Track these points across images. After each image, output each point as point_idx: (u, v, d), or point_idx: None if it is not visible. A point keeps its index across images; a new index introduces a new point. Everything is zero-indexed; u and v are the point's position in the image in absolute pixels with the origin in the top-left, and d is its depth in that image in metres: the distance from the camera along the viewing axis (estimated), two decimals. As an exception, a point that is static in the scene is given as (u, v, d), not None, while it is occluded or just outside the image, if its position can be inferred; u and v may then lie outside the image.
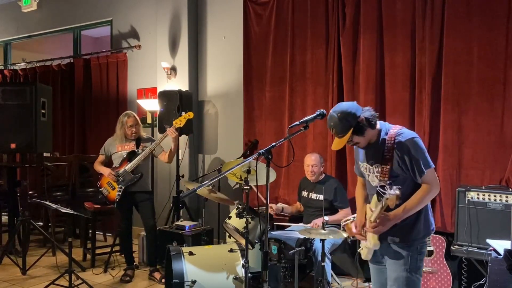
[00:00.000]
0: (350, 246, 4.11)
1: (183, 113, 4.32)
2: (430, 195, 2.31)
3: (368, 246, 2.42)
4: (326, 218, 3.81)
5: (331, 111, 2.34)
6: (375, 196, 2.36)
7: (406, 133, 2.30)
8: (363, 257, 2.54)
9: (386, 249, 2.40)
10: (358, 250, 2.61)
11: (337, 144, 2.32)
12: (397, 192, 2.06)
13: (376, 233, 2.31)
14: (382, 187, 2.16)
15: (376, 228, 2.29)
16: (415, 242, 2.35)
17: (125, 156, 4.25)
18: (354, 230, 2.50)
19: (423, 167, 2.26)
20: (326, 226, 3.28)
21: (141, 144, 4.32)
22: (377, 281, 2.56)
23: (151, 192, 4.50)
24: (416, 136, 2.30)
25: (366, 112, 2.31)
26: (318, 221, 3.85)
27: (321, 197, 4.01)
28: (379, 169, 2.32)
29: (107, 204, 4.56)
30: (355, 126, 2.27)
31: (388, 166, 2.27)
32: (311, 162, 4.08)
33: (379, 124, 2.37)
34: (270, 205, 4.07)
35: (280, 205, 4.45)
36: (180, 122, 4.22)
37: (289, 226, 4.17)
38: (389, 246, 2.38)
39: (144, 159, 4.21)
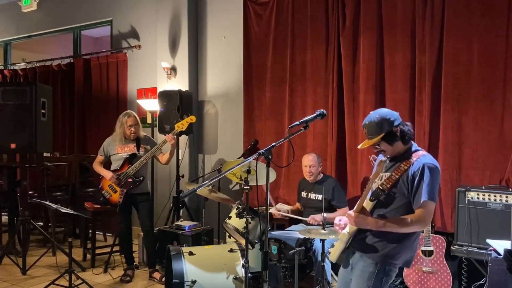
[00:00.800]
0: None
1: (185, 117, 4.30)
2: (416, 225, 2.20)
3: (340, 236, 2.40)
4: (325, 214, 3.82)
5: (372, 111, 2.36)
6: (368, 196, 2.34)
7: (430, 159, 2.26)
8: (331, 259, 2.49)
9: (356, 262, 2.36)
10: (329, 249, 2.57)
11: (364, 144, 2.32)
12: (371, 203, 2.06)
13: (352, 220, 2.27)
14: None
15: (355, 215, 2.24)
16: (385, 263, 2.28)
17: (126, 158, 4.23)
18: (337, 221, 2.45)
19: (426, 196, 2.16)
20: (326, 226, 3.27)
21: (141, 145, 4.30)
22: (342, 284, 2.50)
23: (150, 193, 4.50)
24: (438, 167, 2.24)
25: (405, 126, 2.30)
26: (317, 217, 3.89)
27: (320, 197, 4.02)
28: (388, 175, 2.28)
29: (107, 205, 4.55)
30: (386, 133, 2.26)
31: (398, 176, 2.23)
32: (309, 163, 4.09)
33: (413, 144, 2.35)
34: (311, 217, 4.05)
35: (278, 206, 4.45)
36: (182, 126, 4.21)
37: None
38: (360, 260, 2.34)
39: (145, 162, 4.22)
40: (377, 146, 2.31)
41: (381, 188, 2.26)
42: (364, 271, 2.30)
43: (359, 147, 2.36)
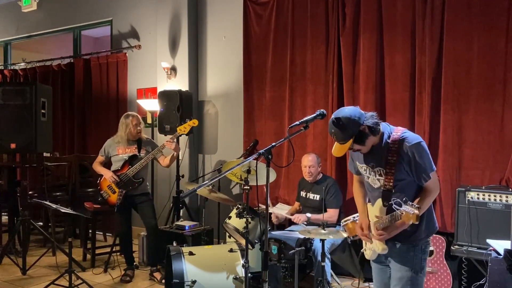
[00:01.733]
0: (350, 246, 4.11)
1: (188, 120, 4.30)
2: (432, 197, 2.31)
3: (376, 250, 2.42)
4: (309, 215, 3.84)
5: (332, 116, 2.26)
6: (379, 200, 2.35)
7: (411, 137, 2.26)
8: (367, 257, 2.53)
9: (390, 250, 2.39)
10: (362, 251, 2.60)
11: (338, 150, 2.27)
12: (416, 211, 2.05)
13: (383, 240, 2.33)
14: (398, 203, 2.16)
15: (383, 236, 2.30)
16: (419, 242, 2.35)
17: (126, 159, 4.24)
18: (359, 231, 2.48)
19: (428, 172, 2.25)
20: (326, 226, 3.28)
21: (142, 147, 4.31)
22: (379, 280, 2.56)
23: (149, 193, 4.50)
24: (422, 141, 2.27)
25: (369, 119, 2.24)
26: (301, 216, 3.93)
27: (318, 197, 4.03)
28: (382, 173, 2.30)
29: (106, 206, 4.55)
30: (356, 135, 2.22)
31: (393, 170, 2.24)
32: (308, 163, 4.09)
33: (381, 126, 2.31)
34: (296, 216, 4.08)
35: (278, 207, 4.45)
36: (184, 129, 4.22)
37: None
38: (394, 246, 2.37)
39: (146, 164, 4.22)
40: (351, 148, 2.29)
41: (387, 189, 2.27)
42: (404, 257, 2.35)
43: (333, 154, 2.31)
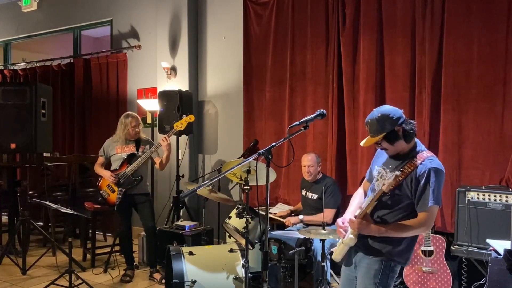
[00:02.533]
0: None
1: (184, 116, 4.32)
2: (418, 229, 2.24)
3: (344, 241, 2.37)
4: (301, 217, 3.85)
5: (375, 109, 2.31)
6: (369, 197, 2.33)
7: (436, 162, 2.24)
8: (333, 256, 2.46)
9: (360, 260, 2.36)
10: (332, 249, 2.55)
11: (366, 142, 2.29)
12: (397, 172, 2.04)
13: (355, 227, 2.27)
14: (380, 173, 2.16)
15: (358, 221, 2.25)
16: (390, 260, 2.29)
17: (125, 158, 4.25)
18: (340, 223, 2.44)
19: (433, 200, 2.17)
20: (327, 226, 3.28)
21: (141, 146, 4.33)
22: None
23: (149, 194, 4.51)
24: (443, 170, 2.23)
25: (408, 124, 2.25)
26: (292, 219, 3.99)
27: (316, 196, 4.05)
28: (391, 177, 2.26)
29: (105, 205, 4.55)
30: (388, 132, 2.23)
31: (400, 179, 2.21)
32: (308, 163, 4.09)
33: (416, 141, 2.32)
34: (287, 219, 4.08)
35: (278, 207, 4.45)
36: (181, 125, 4.24)
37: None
38: (364, 257, 2.34)
39: (144, 162, 4.22)
40: (379, 144, 2.30)
41: (383, 191, 2.26)
42: (370, 269, 2.31)
43: (361, 144, 2.33)
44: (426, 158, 2.23)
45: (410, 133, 2.26)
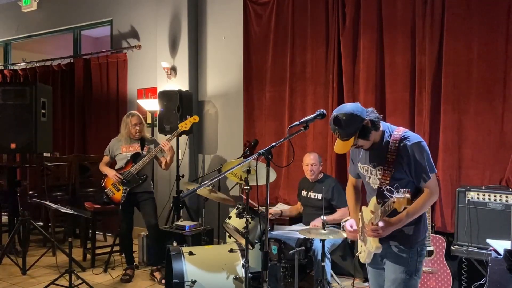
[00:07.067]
0: (350, 246, 4.11)
1: (188, 117, 4.32)
2: (432, 200, 2.30)
3: (369, 249, 2.39)
4: (324, 218, 3.82)
5: (334, 113, 2.25)
6: (374, 198, 2.34)
7: (412, 137, 2.27)
8: (361, 260, 2.50)
9: (386, 251, 2.37)
10: (356, 254, 2.57)
11: (341, 147, 2.26)
12: (407, 195, 2.02)
13: (377, 237, 2.30)
14: (389, 190, 2.13)
15: (377, 232, 2.27)
16: (416, 245, 2.33)
17: (129, 157, 4.26)
18: (349, 228, 2.47)
19: (428, 173, 2.24)
20: (326, 226, 3.28)
21: (146, 145, 4.35)
22: (375, 283, 2.54)
23: (153, 192, 4.51)
24: (422, 140, 2.27)
25: (371, 114, 2.25)
26: (317, 222, 3.85)
27: (320, 196, 4.02)
28: (382, 172, 2.29)
29: (109, 204, 4.56)
30: (360, 130, 2.22)
31: (391, 169, 2.24)
32: (310, 161, 4.09)
33: (382, 125, 2.32)
34: (313, 223, 4.07)
35: (278, 207, 4.44)
36: (185, 125, 4.27)
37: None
38: (389, 248, 2.36)
39: (149, 161, 4.23)
40: (355, 144, 2.28)
41: (383, 187, 2.26)
42: (399, 258, 2.33)
43: (336, 151, 2.30)
44: (400, 138, 2.26)
45: (376, 120, 2.26)
